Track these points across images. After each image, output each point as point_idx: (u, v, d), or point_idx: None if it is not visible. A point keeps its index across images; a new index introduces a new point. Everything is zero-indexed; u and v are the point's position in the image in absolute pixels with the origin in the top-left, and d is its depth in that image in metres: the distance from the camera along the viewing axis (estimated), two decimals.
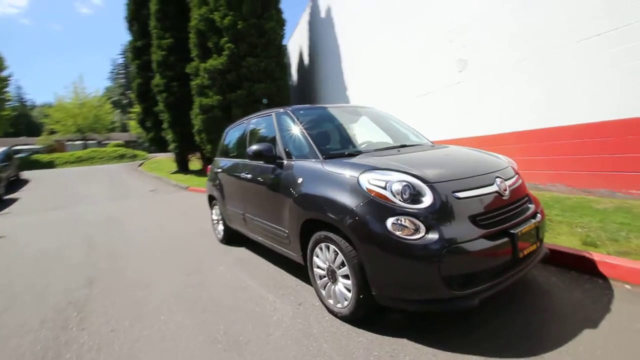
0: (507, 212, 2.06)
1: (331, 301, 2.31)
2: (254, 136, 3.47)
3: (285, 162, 2.72)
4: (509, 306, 2.17)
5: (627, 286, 2.27)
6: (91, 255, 4.39)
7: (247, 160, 3.44)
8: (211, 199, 4.70)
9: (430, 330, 2.01)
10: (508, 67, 5.07)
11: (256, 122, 3.53)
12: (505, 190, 2.09)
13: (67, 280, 3.51)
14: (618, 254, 2.59)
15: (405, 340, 1.94)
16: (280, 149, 2.80)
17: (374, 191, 1.97)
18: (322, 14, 12.04)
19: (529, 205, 2.28)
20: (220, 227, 4.46)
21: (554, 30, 4.42)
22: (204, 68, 11.70)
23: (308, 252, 2.47)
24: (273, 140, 3.00)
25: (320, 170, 2.35)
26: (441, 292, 1.78)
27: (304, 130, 2.75)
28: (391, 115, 3.58)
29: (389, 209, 1.89)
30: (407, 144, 2.93)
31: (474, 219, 1.91)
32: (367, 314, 2.11)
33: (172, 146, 15.99)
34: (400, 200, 1.90)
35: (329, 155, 2.48)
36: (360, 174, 2.07)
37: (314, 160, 2.48)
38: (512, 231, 1.95)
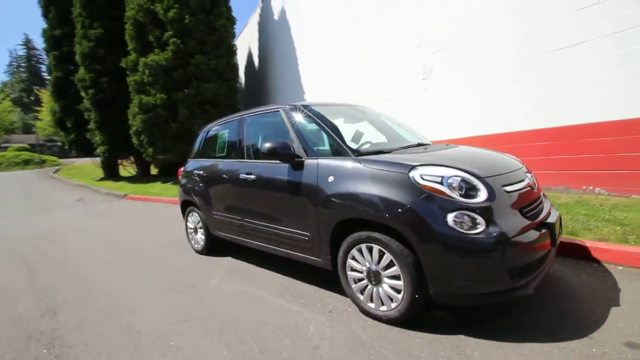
0: (539, 204, 2.20)
1: (372, 305, 2.20)
2: (256, 134, 3.19)
3: (305, 160, 2.54)
4: (536, 294, 2.31)
5: (620, 267, 2.59)
6: (36, 279, 3.58)
7: (248, 160, 3.16)
8: (186, 205, 4.21)
9: (479, 324, 2.03)
10: (475, 75, 5.53)
11: (256, 118, 3.25)
12: (535, 184, 2.24)
13: (15, 312, 2.80)
14: (597, 240, 2.96)
15: (462, 336, 1.92)
16: (296, 147, 2.61)
17: (430, 187, 1.93)
18: (276, 16, 11.85)
19: (545, 199, 2.48)
20: (199, 236, 4.01)
21: (513, 44, 4.96)
22: (145, 63, 10.61)
23: (340, 255, 2.32)
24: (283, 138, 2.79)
25: (357, 169, 2.23)
26: (504, 283, 1.81)
27: (326, 127, 2.60)
28: (387, 115, 3.62)
29: (448, 204, 1.87)
30: (423, 142, 2.97)
31: (522, 212, 2.00)
32: (417, 314, 2.05)
33: (100, 149, 14.08)
34: (457, 195, 1.89)
35: (360, 153, 2.39)
36: (411, 169, 2.01)
37: (344, 158, 2.35)
38: (549, 221, 2.08)
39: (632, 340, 1.75)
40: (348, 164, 2.30)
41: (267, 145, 2.59)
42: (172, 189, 11.36)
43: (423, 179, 1.96)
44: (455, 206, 1.86)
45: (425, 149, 2.61)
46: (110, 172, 16.57)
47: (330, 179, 2.33)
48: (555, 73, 4.50)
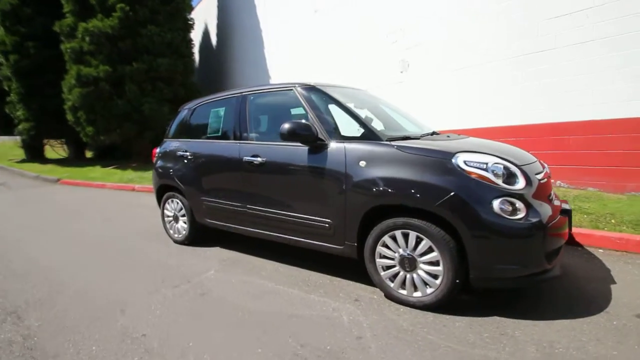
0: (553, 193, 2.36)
1: (403, 291, 2.17)
2: (261, 113, 2.93)
3: (330, 143, 2.39)
4: None
5: (601, 250, 2.92)
6: None
7: (253, 142, 2.90)
8: (164, 190, 3.77)
9: (506, 306, 2.10)
10: (447, 73, 5.77)
11: (262, 97, 2.98)
12: (550, 174, 2.39)
13: None
14: (574, 226, 3.31)
15: (497, 318, 1.99)
16: (318, 129, 2.44)
17: (475, 172, 1.94)
18: None
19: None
20: (181, 224, 3.64)
21: (481, 47, 5.26)
22: (85, 29, 9.28)
23: (369, 242, 2.25)
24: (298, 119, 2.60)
25: (393, 154, 2.15)
26: (541, 266, 1.90)
27: (351, 110, 2.48)
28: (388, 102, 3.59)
29: (493, 190, 1.90)
30: (435, 131, 2.99)
31: (548, 199, 2.11)
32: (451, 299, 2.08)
33: (23, 126, 12.08)
34: (501, 181, 1.93)
35: (390, 138, 2.31)
36: (454, 155, 2.01)
37: (376, 142, 2.26)
38: (567, 208, 2.24)
39: None
40: (382, 148, 2.22)
41: (287, 126, 2.39)
42: (116, 174, 10.23)
43: (467, 165, 1.96)
44: (500, 192, 1.90)
45: (448, 137, 2.63)
46: (33, 154, 14.39)
47: (362, 163, 2.23)
48: (522, 76, 4.89)
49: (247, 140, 2.94)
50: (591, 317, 1.95)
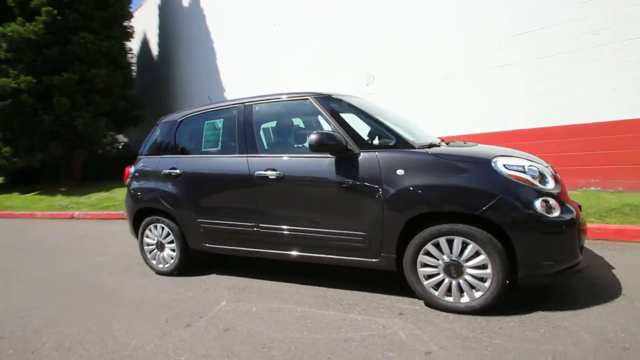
0: None
1: (449, 298, 2.15)
2: (272, 124, 2.73)
3: (360, 153, 2.32)
4: None
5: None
6: None
7: (268, 155, 2.68)
8: (143, 215, 3.29)
9: (540, 300, 2.20)
10: (419, 85, 6.10)
11: (270, 107, 2.79)
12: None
13: None
14: None
15: (542, 312, 2.06)
16: (345, 139, 2.35)
17: (515, 175, 2.02)
18: (185, 2, 10.55)
19: None
20: (167, 252, 3.21)
21: (449, 61, 5.72)
22: (2, 34, 7.89)
23: (410, 251, 2.20)
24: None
25: (430, 161, 2.16)
26: (576, 259, 2.04)
27: (377, 119, 2.44)
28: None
29: (533, 191, 2.00)
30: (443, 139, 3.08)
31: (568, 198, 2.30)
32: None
33: None
34: (538, 182, 2.05)
35: (421, 146, 2.32)
36: (493, 160, 2.08)
37: (410, 151, 2.25)
38: (578, 204, 2.47)
39: None
40: (418, 156, 2.21)
41: (315, 136, 2.27)
42: (42, 200, 8.80)
43: (507, 168, 2.05)
44: (539, 193, 2.01)
45: (465, 143, 2.73)
46: None
47: (400, 172, 2.19)
48: (485, 88, 5.41)
49: (257, 153, 2.71)
50: (616, 301, 2.14)
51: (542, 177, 2.09)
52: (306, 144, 2.58)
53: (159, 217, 3.20)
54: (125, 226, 5.91)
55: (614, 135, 4.45)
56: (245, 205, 2.72)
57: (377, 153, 2.30)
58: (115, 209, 7.06)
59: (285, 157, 2.60)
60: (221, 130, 2.97)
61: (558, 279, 2.13)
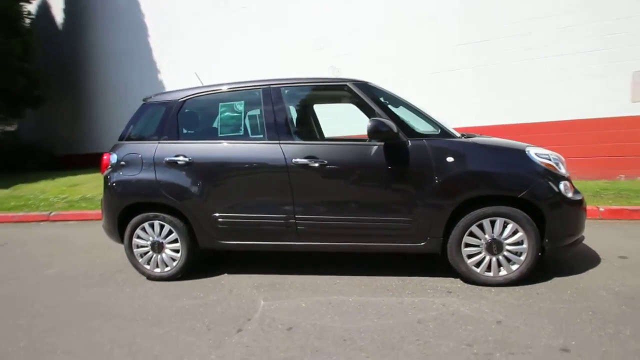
0: None
1: (489, 274, 2.39)
2: (304, 109, 2.57)
3: (409, 141, 2.38)
4: None
5: None
6: None
7: (306, 142, 2.53)
8: (134, 211, 2.77)
9: (550, 268, 2.59)
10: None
11: (303, 90, 2.63)
12: None
13: None
14: None
15: (558, 278, 2.45)
16: (393, 127, 2.38)
17: (545, 162, 2.34)
18: None
19: None
20: (169, 254, 2.80)
21: (407, 63, 6.16)
22: None
23: (456, 233, 2.36)
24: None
25: (475, 149, 2.37)
26: (582, 232, 2.48)
27: (418, 109, 2.52)
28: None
29: (558, 177, 2.35)
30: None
31: None
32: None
33: None
34: (560, 168, 2.41)
35: (462, 135, 2.50)
36: (526, 149, 2.37)
37: (455, 139, 2.40)
38: None
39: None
40: (464, 145, 2.39)
41: (371, 124, 2.26)
42: None
43: (539, 156, 2.37)
44: (561, 177, 2.37)
45: (480, 135, 3.01)
46: None
47: (450, 159, 2.33)
48: (439, 89, 6.01)
49: (291, 140, 2.54)
50: (606, 262, 2.69)
51: (559, 164, 2.48)
52: (344, 130, 2.54)
53: (157, 214, 2.73)
54: (56, 230, 4.89)
55: (549, 133, 5.39)
56: (279, 196, 2.53)
57: (425, 141, 2.40)
58: (29, 209, 5.69)
59: (325, 144, 2.51)
60: (243, 114, 2.68)
61: (572, 249, 2.56)
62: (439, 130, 2.46)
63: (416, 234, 2.43)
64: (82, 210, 5.57)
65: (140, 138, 2.85)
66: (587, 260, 2.77)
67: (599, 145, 5.07)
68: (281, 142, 2.54)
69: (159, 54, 8.67)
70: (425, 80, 6.02)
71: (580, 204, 2.40)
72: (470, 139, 2.46)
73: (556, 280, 2.46)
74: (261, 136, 2.61)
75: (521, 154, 2.38)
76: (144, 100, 2.97)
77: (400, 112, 2.55)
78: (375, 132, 2.27)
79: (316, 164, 2.44)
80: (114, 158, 2.83)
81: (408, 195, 2.39)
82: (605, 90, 4.85)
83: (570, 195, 2.37)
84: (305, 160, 2.46)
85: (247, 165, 2.58)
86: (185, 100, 2.80)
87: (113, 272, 3.09)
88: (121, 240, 2.88)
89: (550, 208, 2.29)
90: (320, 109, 3.38)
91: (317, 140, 2.58)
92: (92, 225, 5.01)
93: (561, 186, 2.34)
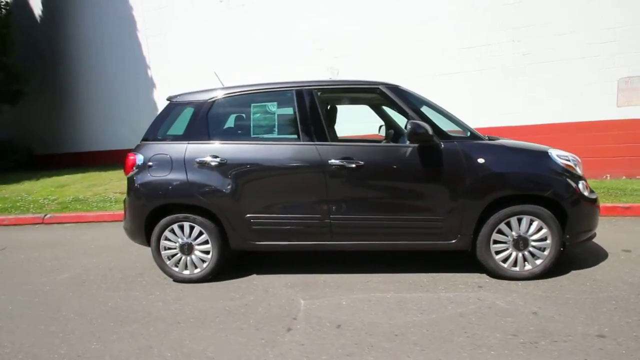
0: None
1: (516, 269, 2.53)
2: (336, 111, 2.61)
3: (441, 142, 2.48)
4: None
5: None
6: None
7: (342, 143, 2.59)
8: (160, 214, 2.72)
9: (562, 260, 2.81)
10: None
11: (334, 92, 2.67)
12: None
13: None
14: None
15: (575, 271, 2.63)
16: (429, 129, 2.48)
17: (566, 164, 2.51)
18: None
19: None
20: (199, 255, 2.78)
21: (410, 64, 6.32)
22: None
23: (485, 231, 2.49)
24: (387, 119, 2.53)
25: (503, 151, 2.51)
26: (596, 228, 2.68)
27: (447, 112, 2.63)
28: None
29: (576, 176, 2.53)
30: None
31: None
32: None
33: None
34: (577, 169, 2.59)
35: (488, 137, 2.63)
36: (548, 151, 2.53)
37: (484, 141, 2.53)
38: None
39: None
40: (492, 147, 2.53)
41: (410, 126, 2.35)
42: None
43: (560, 158, 2.53)
44: (579, 177, 2.56)
45: (498, 137, 3.17)
46: None
47: (481, 160, 2.46)
48: (441, 92, 6.20)
49: (326, 141, 2.58)
50: (613, 256, 2.91)
51: (576, 165, 2.67)
52: (379, 132, 2.62)
53: (188, 215, 2.70)
54: (54, 233, 4.65)
55: (535, 135, 5.71)
56: (314, 196, 2.57)
57: (456, 143, 2.51)
58: (20, 212, 5.39)
59: (361, 145, 2.57)
60: (276, 115, 2.70)
61: (586, 244, 2.75)
62: (469, 133, 2.59)
63: (448, 232, 2.54)
64: (77, 212, 5.34)
65: (168, 138, 2.81)
66: (596, 254, 2.99)
67: (587, 147, 5.42)
68: (317, 143, 2.58)
69: (147, 49, 8.41)
70: (425, 84, 6.19)
71: (595, 201, 2.59)
72: (497, 142, 2.61)
73: (574, 273, 2.64)
74: (295, 137, 2.64)
75: (545, 155, 2.54)
76: (169, 99, 2.92)
77: (430, 114, 2.65)
78: (413, 134, 2.36)
79: (352, 165, 2.50)
80: (140, 159, 2.76)
81: (441, 195, 2.49)
82: (594, 95, 5.20)
83: (587, 193, 2.55)
84: (341, 162, 2.51)
85: (282, 166, 2.60)
86: (215, 101, 2.78)
87: (134, 276, 3.02)
88: (147, 243, 2.82)
89: (571, 206, 2.46)
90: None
91: (345, 142, 2.63)
92: (92, 228, 4.85)
93: (580, 185, 2.52)
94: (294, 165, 2.59)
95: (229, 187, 2.63)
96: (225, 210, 2.65)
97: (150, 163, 2.74)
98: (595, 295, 2.30)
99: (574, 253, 2.97)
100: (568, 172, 2.52)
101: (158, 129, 2.85)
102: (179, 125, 2.82)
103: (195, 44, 7.72)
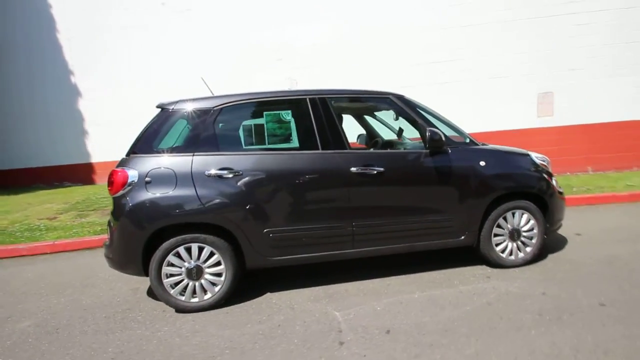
0: None
1: (512, 257, 2.86)
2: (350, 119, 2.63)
3: (449, 148, 2.70)
4: None
5: None
6: None
7: (361, 150, 2.61)
8: (164, 235, 2.40)
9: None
10: None
11: (347, 101, 2.69)
12: None
13: None
14: None
15: (551, 255, 3.09)
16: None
17: (542, 164, 2.95)
18: None
19: None
20: (209, 279, 2.52)
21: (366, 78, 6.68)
22: None
23: (487, 226, 2.77)
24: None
25: (497, 154, 2.84)
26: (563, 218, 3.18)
27: (446, 120, 2.86)
28: None
29: (550, 174, 2.99)
30: None
31: None
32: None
33: None
34: (549, 168, 3.05)
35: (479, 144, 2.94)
36: (529, 154, 2.94)
37: (480, 146, 2.82)
38: None
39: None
40: (489, 151, 2.84)
41: (429, 133, 2.52)
42: None
43: (538, 159, 2.96)
44: (552, 174, 3.02)
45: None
46: None
47: (482, 163, 2.74)
48: None
49: (344, 149, 2.59)
50: (570, 239, 3.44)
51: (548, 164, 3.14)
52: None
53: (196, 235, 2.42)
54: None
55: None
56: (337, 203, 2.55)
57: (460, 148, 2.76)
58: None
59: (379, 152, 2.65)
60: (293, 123, 2.60)
61: (557, 230, 3.23)
62: (467, 139, 2.87)
63: (457, 230, 2.76)
64: (5, 245, 4.29)
65: (165, 150, 2.49)
66: (556, 239, 3.53)
67: None
68: (336, 151, 2.58)
69: (72, 55, 7.33)
70: None
71: (563, 194, 3.09)
72: (491, 147, 2.94)
73: (551, 257, 3.08)
74: (313, 146, 2.58)
75: (528, 157, 2.95)
76: (160, 107, 2.60)
77: (433, 122, 2.87)
78: (432, 141, 2.53)
79: (374, 171, 2.56)
80: (133, 175, 2.39)
81: (452, 196, 2.70)
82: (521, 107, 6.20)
83: (558, 188, 3.04)
84: (363, 169, 2.55)
85: (303, 176, 2.52)
86: (222, 108, 2.57)
87: (122, 312, 2.57)
88: (143, 272, 2.44)
89: (550, 199, 2.90)
90: None
91: (359, 149, 2.69)
92: (29, 263, 3.93)
93: (553, 182, 2.98)
94: (315, 174, 2.53)
95: (246, 200, 2.45)
96: (242, 226, 2.45)
97: (148, 179, 2.39)
98: (579, 273, 2.73)
99: (546, 240, 3.47)
100: (545, 171, 2.97)
101: (152, 140, 2.51)
102: (180, 136, 2.54)
103: (132, 48, 7.00)
